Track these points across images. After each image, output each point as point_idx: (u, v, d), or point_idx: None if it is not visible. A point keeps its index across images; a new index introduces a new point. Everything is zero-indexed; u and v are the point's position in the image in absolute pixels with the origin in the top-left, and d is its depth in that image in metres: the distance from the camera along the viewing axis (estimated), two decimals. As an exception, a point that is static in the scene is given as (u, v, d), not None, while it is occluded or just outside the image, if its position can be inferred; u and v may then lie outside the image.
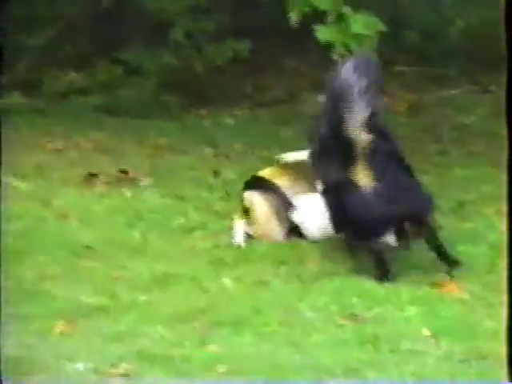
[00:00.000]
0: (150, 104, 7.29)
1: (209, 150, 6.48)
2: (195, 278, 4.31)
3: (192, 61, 7.19)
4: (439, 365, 3.46)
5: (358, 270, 4.35)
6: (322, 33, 4.93)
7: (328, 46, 4.96)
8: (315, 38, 5.01)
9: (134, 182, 5.71)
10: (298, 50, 7.80)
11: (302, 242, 4.63)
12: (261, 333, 3.78)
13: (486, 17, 7.72)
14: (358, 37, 4.90)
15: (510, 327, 3.31)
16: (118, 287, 4.18)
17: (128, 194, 5.52)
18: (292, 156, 4.83)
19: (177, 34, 7.05)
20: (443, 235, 4.74)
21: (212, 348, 3.64)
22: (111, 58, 7.34)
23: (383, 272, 4.23)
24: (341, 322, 3.85)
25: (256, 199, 4.77)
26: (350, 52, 4.90)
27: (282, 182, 4.79)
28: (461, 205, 5.18)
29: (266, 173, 4.90)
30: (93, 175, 5.61)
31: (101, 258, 4.50)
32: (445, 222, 4.98)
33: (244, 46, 7.10)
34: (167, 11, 7.04)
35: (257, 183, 4.85)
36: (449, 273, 4.27)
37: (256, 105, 7.34)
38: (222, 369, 3.45)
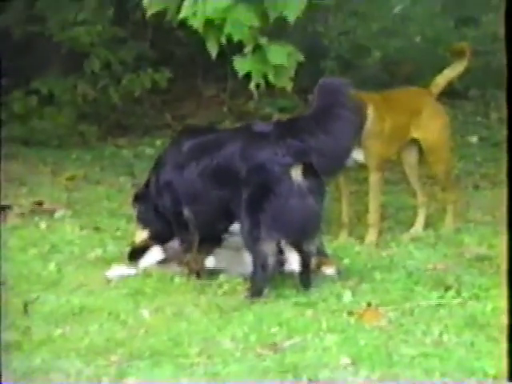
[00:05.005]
0: (66, 134, 7.19)
1: (127, 180, 6.42)
2: (113, 310, 4.24)
3: (109, 91, 7.13)
4: (358, 392, 3.46)
5: (278, 298, 4.35)
6: (239, 64, 4.99)
7: (246, 77, 5.01)
8: (233, 68, 5.05)
9: (49, 214, 5.62)
10: (216, 79, 7.82)
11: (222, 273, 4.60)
12: (180, 364, 3.73)
13: (400, 47, 7.90)
14: (275, 67, 4.96)
15: (510, 328, 3.38)
16: (31, 321, 4.09)
17: (43, 225, 5.43)
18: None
19: (93, 64, 6.99)
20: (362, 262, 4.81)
21: (130, 381, 3.58)
22: (26, 88, 7.24)
23: (260, 290, 4.32)
24: (260, 351, 3.82)
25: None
26: (267, 82, 4.97)
27: None
28: (379, 232, 5.23)
29: None
30: (5, 207, 5.49)
31: (14, 292, 4.39)
32: (363, 250, 5.04)
33: (163, 76, 7.08)
34: (81, 42, 6.98)
35: None
36: None
37: (176, 134, 7.31)
38: (140, 402, 3.41)
